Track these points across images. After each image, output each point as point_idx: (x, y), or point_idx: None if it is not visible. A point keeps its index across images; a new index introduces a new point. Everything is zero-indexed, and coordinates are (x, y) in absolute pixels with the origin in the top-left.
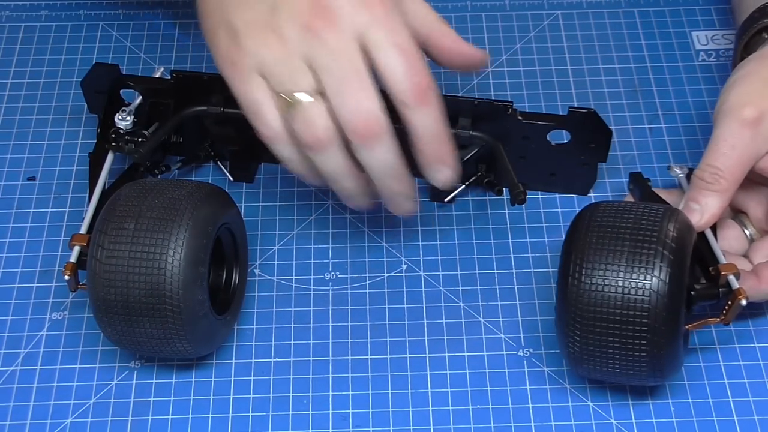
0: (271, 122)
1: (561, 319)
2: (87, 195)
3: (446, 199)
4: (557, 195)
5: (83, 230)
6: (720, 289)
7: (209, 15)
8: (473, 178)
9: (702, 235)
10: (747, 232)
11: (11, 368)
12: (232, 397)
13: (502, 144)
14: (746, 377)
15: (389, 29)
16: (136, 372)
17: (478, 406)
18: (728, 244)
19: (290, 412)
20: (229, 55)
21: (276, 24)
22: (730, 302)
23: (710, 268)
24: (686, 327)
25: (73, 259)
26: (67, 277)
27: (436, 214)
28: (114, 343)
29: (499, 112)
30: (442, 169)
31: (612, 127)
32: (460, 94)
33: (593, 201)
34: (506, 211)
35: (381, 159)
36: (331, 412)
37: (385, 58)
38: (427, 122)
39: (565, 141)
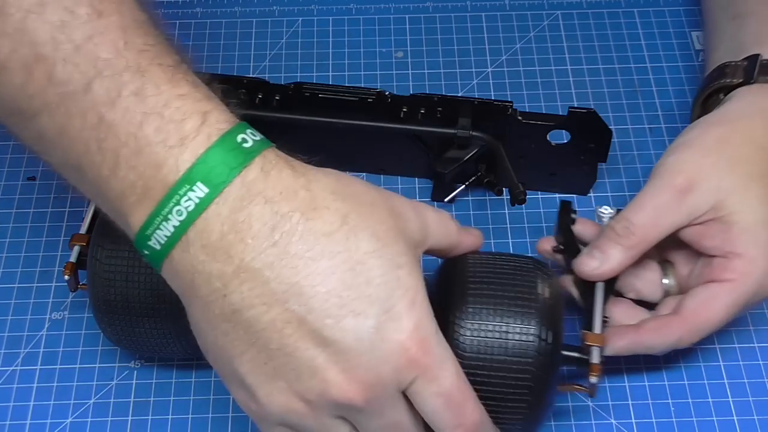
0: None
1: None
2: None
3: (446, 199)
4: (557, 195)
5: (83, 230)
6: (587, 357)
7: (210, 355)
8: (473, 178)
9: (592, 289)
10: (665, 282)
11: (11, 368)
12: (232, 397)
13: (502, 144)
14: (746, 377)
15: (432, 378)
16: (136, 372)
17: None
18: (641, 285)
19: None
20: (249, 408)
21: (297, 390)
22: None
23: (582, 331)
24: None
25: (73, 259)
26: (67, 277)
27: None
28: (114, 343)
29: (499, 112)
30: None
31: (612, 127)
32: (460, 94)
33: (593, 201)
34: (506, 211)
35: None
36: None
37: (429, 408)
38: None
39: (565, 141)
